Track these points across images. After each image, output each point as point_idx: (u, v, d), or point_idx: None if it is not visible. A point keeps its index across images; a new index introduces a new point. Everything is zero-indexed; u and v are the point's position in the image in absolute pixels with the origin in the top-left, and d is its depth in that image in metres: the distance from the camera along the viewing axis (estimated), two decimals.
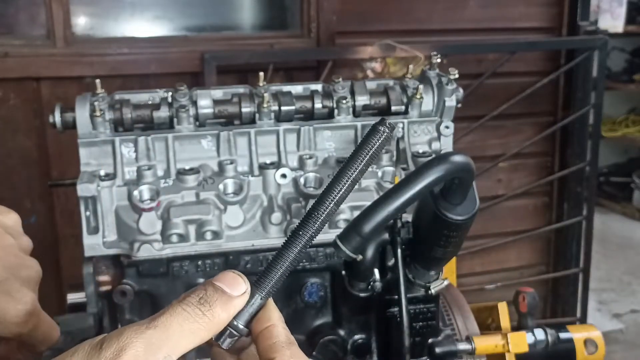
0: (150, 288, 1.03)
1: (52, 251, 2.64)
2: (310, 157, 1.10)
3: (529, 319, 1.25)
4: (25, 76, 2.54)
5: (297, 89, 1.17)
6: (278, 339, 0.53)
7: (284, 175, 1.07)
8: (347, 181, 0.55)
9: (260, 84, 1.14)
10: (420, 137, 1.16)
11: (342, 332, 1.10)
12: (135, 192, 1.02)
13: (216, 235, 1.03)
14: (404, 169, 1.12)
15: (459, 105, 1.17)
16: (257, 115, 1.12)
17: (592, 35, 3.08)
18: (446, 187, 0.87)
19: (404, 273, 1.01)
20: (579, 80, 3.13)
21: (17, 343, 0.71)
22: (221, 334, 0.53)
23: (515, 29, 3.11)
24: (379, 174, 1.12)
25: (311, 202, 1.06)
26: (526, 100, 3.04)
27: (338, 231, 1.04)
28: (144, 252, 1.00)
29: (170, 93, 1.12)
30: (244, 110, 1.11)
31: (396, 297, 1.01)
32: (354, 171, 0.55)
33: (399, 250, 1.00)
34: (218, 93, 1.15)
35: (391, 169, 1.12)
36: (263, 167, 1.08)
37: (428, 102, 1.16)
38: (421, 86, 1.15)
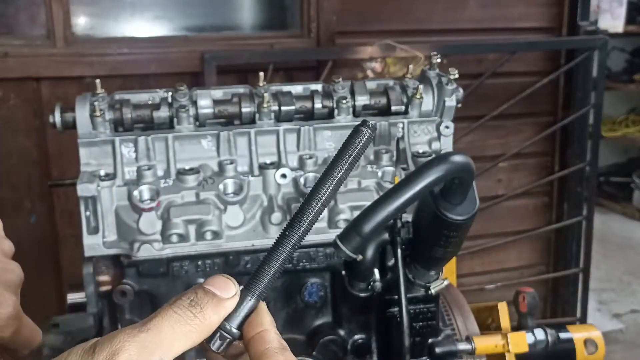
0: (150, 288, 1.03)
1: (52, 251, 2.64)
2: (310, 157, 1.10)
3: (529, 319, 1.25)
4: (25, 76, 2.54)
5: (297, 89, 1.17)
6: (271, 345, 0.53)
7: (284, 175, 1.07)
8: (332, 182, 0.56)
9: (260, 84, 1.14)
10: (420, 137, 1.16)
11: (342, 332, 1.10)
12: (135, 192, 1.02)
13: (216, 235, 1.03)
14: (404, 169, 1.12)
15: (459, 105, 1.17)
16: (257, 115, 1.12)
17: (592, 35, 3.08)
18: (446, 187, 0.87)
19: (404, 273, 1.01)
20: (579, 80, 3.13)
21: None
22: (212, 336, 0.53)
23: (515, 29, 3.11)
24: (379, 174, 1.12)
25: None
26: (526, 100, 3.04)
27: (338, 231, 1.05)
28: (144, 252, 1.00)
29: (170, 93, 1.12)
30: (244, 110, 1.11)
31: (396, 297, 1.01)
32: (339, 171, 0.56)
33: (399, 250, 1.00)
34: (218, 93, 1.15)
35: (391, 169, 1.12)
36: (263, 167, 1.08)
37: (428, 102, 1.16)
38: (421, 86, 1.15)
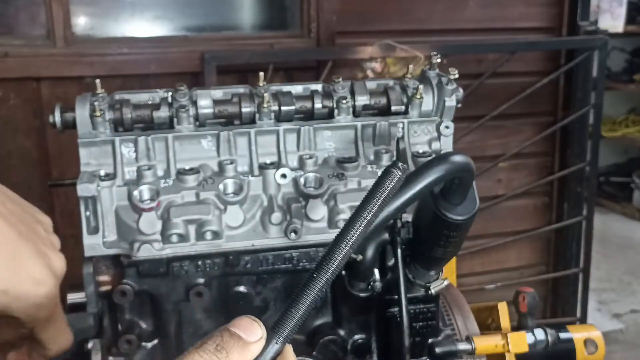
0: (150, 288, 1.03)
1: None
2: (310, 157, 1.10)
3: (529, 319, 1.26)
4: (25, 76, 2.54)
5: (297, 89, 1.17)
6: None
7: (284, 175, 1.07)
8: (361, 224, 0.55)
9: (260, 84, 1.14)
10: (420, 137, 1.16)
11: (342, 332, 1.10)
12: (135, 192, 1.02)
13: (216, 235, 1.03)
14: None
15: (459, 105, 1.17)
16: (257, 115, 1.12)
17: (592, 35, 3.08)
18: (446, 187, 0.87)
19: (404, 273, 1.01)
20: (579, 80, 3.13)
21: (28, 347, 0.71)
22: None
23: (515, 29, 3.12)
24: (379, 173, 1.11)
25: (311, 202, 1.06)
26: (526, 100, 3.05)
27: (338, 231, 1.05)
28: (144, 252, 1.00)
29: (170, 93, 1.12)
30: (244, 110, 1.11)
31: (396, 297, 1.01)
32: (368, 213, 0.55)
33: (399, 250, 1.00)
34: (218, 93, 1.15)
35: None
36: (263, 167, 1.08)
37: (428, 102, 1.16)
38: (421, 86, 1.15)
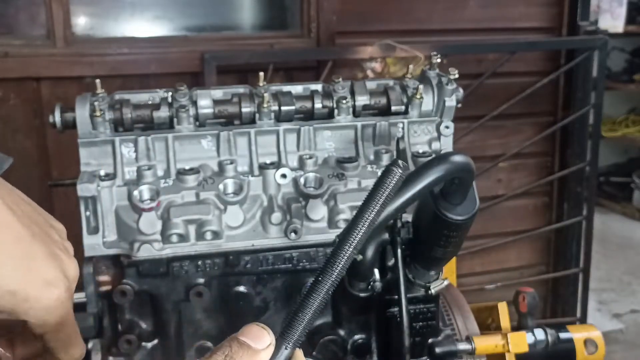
0: (150, 288, 1.03)
1: None
2: (310, 157, 1.10)
3: (529, 319, 1.26)
4: (25, 76, 2.54)
5: (297, 89, 1.17)
6: None
7: (284, 175, 1.07)
8: (363, 225, 0.55)
9: (260, 84, 1.14)
10: (420, 137, 1.16)
11: (342, 332, 1.10)
12: (135, 192, 1.02)
13: (216, 235, 1.03)
14: None
15: (459, 105, 1.17)
16: (257, 115, 1.12)
17: (592, 35, 3.08)
18: (446, 187, 0.87)
19: (404, 273, 1.01)
20: (579, 80, 3.13)
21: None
22: None
23: (515, 29, 3.11)
24: (379, 173, 1.11)
25: (311, 202, 1.06)
26: (526, 100, 3.04)
27: (338, 231, 1.05)
28: (144, 252, 1.00)
29: (170, 93, 1.12)
30: (244, 110, 1.11)
31: (396, 297, 1.01)
32: (370, 213, 0.55)
33: (399, 250, 1.00)
34: (218, 93, 1.15)
35: None
36: (263, 167, 1.08)
37: (428, 102, 1.16)
38: (421, 86, 1.15)
